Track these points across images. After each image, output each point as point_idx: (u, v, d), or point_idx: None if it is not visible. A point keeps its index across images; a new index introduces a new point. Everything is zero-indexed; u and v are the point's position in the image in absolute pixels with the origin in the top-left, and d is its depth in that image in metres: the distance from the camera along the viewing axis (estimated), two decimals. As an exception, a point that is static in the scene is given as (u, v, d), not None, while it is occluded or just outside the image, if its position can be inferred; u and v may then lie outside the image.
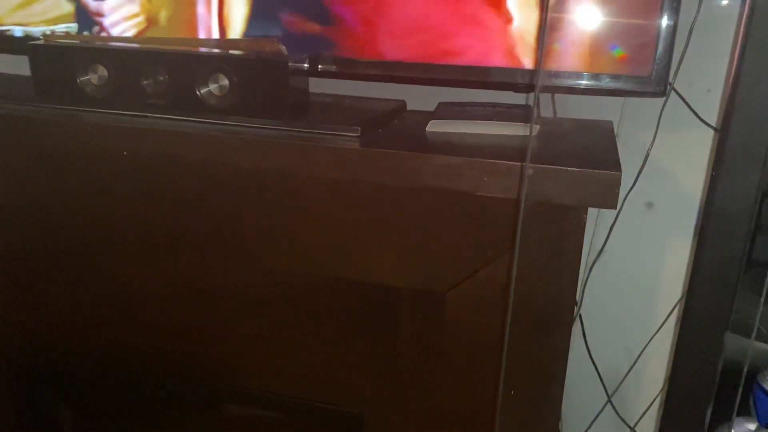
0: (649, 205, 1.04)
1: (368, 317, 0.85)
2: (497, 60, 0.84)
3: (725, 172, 0.58)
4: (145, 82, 0.85)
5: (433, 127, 0.85)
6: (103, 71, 0.86)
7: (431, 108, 0.94)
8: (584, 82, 0.80)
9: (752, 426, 0.78)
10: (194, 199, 0.85)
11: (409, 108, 0.99)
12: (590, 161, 0.71)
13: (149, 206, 0.88)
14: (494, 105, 0.94)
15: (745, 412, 0.79)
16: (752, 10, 0.55)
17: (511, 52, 0.83)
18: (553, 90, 0.91)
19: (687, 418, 0.65)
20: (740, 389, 0.63)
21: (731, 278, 0.59)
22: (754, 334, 0.59)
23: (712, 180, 0.58)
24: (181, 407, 1.00)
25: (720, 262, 0.59)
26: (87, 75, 0.87)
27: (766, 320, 0.64)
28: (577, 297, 1.09)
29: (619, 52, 0.79)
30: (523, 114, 0.89)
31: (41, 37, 0.89)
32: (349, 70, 0.89)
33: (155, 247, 0.90)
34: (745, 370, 0.62)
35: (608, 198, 0.69)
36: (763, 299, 0.59)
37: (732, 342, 0.64)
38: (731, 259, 0.59)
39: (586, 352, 1.11)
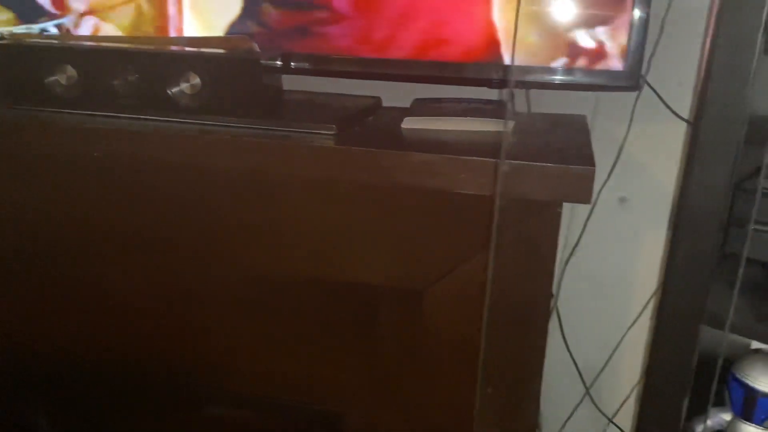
0: (623, 199, 1.05)
1: (347, 316, 0.85)
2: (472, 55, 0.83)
3: (697, 166, 0.58)
4: (115, 82, 0.83)
5: (409, 123, 0.84)
6: (71, 71, 0.84)
7: (407, 104, 0.93)
8: (557, 77, 0.81)
9: (727, 416, 0.79)
10: (169, 200, 0.84)
11: (384, 104, 0.99)
12: (564, 156, 0.71)
13: (124, 208, 0.86)
14: (469, 101, 0.94)
15: (721, 403, 0.80)
16: (722, 2, 0.55)
17: (483, 48, 0.82)
18: (526, 85, 0.91)
19: (664, 411, 0.66)
20: (715, 381, 0.64)
21: (705, 272, 0.59)
22: (727, 326, 0.60)
23: (685, 174, 0.59)
24: (163, 409, 0.99)
25: (694, 257, 0.59)
26: (55, 75, 0.85)
27: (741, 311, 0.65)
28: (554, 291, 1.10)
29: (591, 47, 0.79)
30: (497, 110, 0.89)
31: (6, 37, 0.87)
32: (322, 67, 0.88)
33: (132, 249, 0.88)
34: (720, 362, 0.62)
35: (582, 193, 0.69)
36: (736, 291, 0.60)
37: (707, 334, 0.65)
38: (705, 254, 0.59)
39: (564, 345, 1.12)
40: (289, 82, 0.92)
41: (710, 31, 0.56)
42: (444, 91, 0.97)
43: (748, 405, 0.75)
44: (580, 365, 1.13)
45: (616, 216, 1.07)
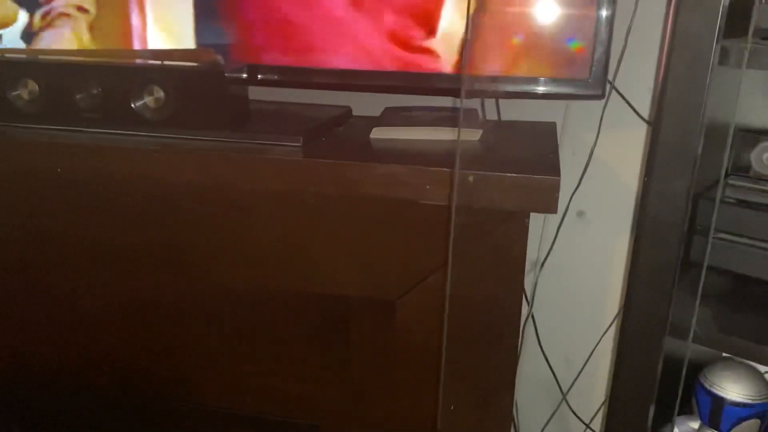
0: (580, 213, 1.04)
1: (319, 328, 0.84)
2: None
3: (657, 176, 0.58)
4: (78, 96, 0.82)
5: (377, 133, 0.84)
6: (33, 85, 0.83)
7: (378, 113, 0.93)
8: (520, 86, 0.80)
9: (695, 424, 0.79)
10: (135, 215, 0.83)
11: (355, 113, 0.98)
12: (530, 166, 0.71)
13: (89, 224, 0.85)
14: (439, 109, 0.94)
15: (690, 411, 0.80)
16: (677, 12, 0.55)
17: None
18: (487, 95, 0.91)
19: (630, 420, 0.66)
20: (680, 391, 0.64)
21: (667, 282, 0.59)
22: (690, 337, 0.60)
23: (645, 185, 0.58)
24: (134, 424, 0.98)
25: (655, 268, 0.59)
26: (17, 90, 0.84)
27: (705, 321, 0.64)
28: (530, 297, 1.10)
29: (555, 55, 0.79)
30: (467, 118, 0.89)
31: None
32: (289, 78, 0.88)
33: (100, 264, 0.88)
34: (684, 372, 0.62)
35: (548, 203, 0.69)
36: (697, 302, 0.60)
37: (675, 342, 0.65)
38: (666, 263, 0.59)
39: (540, 351, 1.12)
40: (260, 93, 0.91)
41: (666, 42, 0.56)
42: (416, 99, 0.97)
43: (715, 413, 0.75)
44: (555, 372, 1.13)
45: (588, 225, 1.07)
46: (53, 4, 0.90)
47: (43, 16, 0.91)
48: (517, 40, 0.79)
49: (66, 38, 0.91)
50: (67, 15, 0.89)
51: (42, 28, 0.91)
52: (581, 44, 0.77)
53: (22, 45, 0.93)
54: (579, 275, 1.09)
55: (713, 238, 0.64)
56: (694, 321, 0.60)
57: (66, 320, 0.93)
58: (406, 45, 0.83)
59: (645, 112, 0.98)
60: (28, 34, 0.93)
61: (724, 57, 0.55)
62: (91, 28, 0.90)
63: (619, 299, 1.08)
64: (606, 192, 1.04)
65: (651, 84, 0.97)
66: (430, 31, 0.81)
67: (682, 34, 0.55)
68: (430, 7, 0.80)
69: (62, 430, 1.02)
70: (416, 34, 0.82)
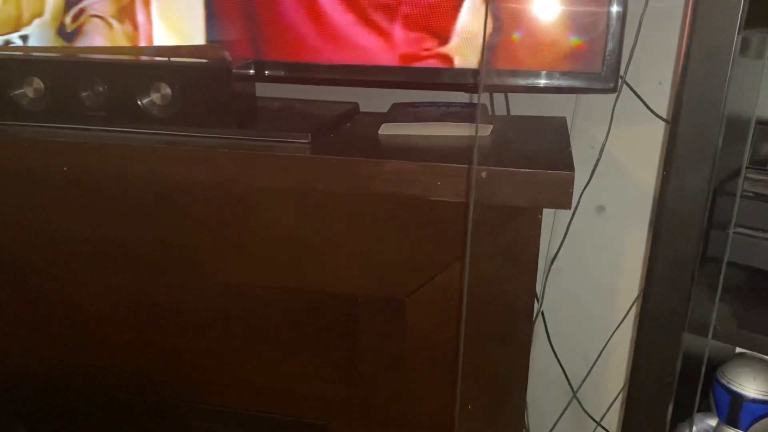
0: (600, 208, 1.04)
1: (328, 327, 0.84)
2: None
3: (675, 171, 0.57)
4: (83, 94, 0.82)
5: (386, 130, 0.83)
6: (38, 84, 0.82)
7: (385, 109, 0.92)
8: (533, 80, 0.79)
9: (713, 422, 0.78)
10: (141, 214, 0.83)
11: (362, 109, 0.97)
12: (543, 161, 0.70)
13: (95, 222, 0.85)
14: (448, 104, 0.93)
15: (707, 408, 0.79)
16: (696, 3, 0.54)
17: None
18: (501, 89, 0.90)
19: (648, 418, 0.65)
20: (699, 388, 0.63)
21: (686, 278, 0.58)
22: (710, 333, 0.59)
23: (663, 180, 0.57)
24: (141, 425, 0.98)
25: (674, 262, 0.58)
26: (21, 88, 0.83)
27: (724, 317, 0.63)
28: (539, 294, 1.09)
29: (567, 48, 0.78)
30: (475, 114, 0.88)
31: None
32: (296, 74, 0.87)
33: (104, 263, 0.87)
34: (703, 369, 0.61)
35: (562, 198, 0.68)
36: (717, 298, 0.59)
37: (692, 338, 0.64)
38: (685, 258, 0.58)
39: (550, 349, 1.11)
40: (266, 89, 0.90)
41: (686, 32, 0.55)
42: (423, 95, 0.96)
43: (734, 410, 0.74)
44: (566, 370, 1.12)
45: (599, 220, 1.06)
46: (84, 3, 0.88)
47: (74, 18, 0.89)
48: (529, 33, 0.78)
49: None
50: (99, 17, 0.87)
51: (75, 33, 0.90)
52: (594, 37, 0.76)
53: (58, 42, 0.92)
54: (592, 271, 1.08)
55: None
56: (713, 317, 0.59)
57: (71, 319, 0.92)
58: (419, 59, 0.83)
59: (655, 106, 0.97)
60: (66, 34, 0.92)
61: (745, 47, 0.54)
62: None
63: (631, 296, 1.07)
64: (617, 187, 1.03)
65: (661, 77, 0.96)
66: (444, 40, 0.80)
67: (701, 24, 0.53)
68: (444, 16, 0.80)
69: (67, 430, 1.02)
70: (430, 44, 0.81)
